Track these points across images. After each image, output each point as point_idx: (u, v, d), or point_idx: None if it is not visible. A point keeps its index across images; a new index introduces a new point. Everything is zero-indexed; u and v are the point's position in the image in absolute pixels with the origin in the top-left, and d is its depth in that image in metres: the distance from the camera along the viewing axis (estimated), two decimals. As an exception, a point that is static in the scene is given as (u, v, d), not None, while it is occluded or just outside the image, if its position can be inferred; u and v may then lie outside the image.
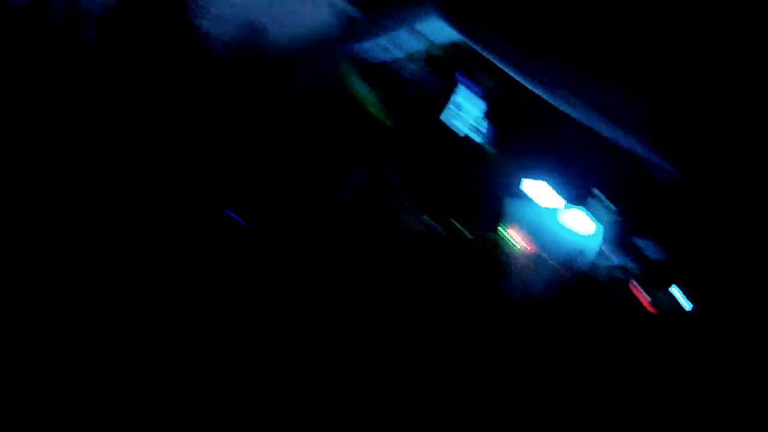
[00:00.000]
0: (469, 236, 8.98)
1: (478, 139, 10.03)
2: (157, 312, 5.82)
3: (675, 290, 8.43)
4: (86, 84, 10.54)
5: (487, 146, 10.07)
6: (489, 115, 10.06)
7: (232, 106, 9.29)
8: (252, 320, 6.15)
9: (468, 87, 10.01)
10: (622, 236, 8.95)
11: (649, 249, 8.91)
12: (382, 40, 9.59)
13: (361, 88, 10.03)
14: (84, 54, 12.21)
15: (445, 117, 9.89)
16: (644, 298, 8.37)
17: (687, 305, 8.23)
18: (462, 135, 9.90)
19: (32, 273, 5.87)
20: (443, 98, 10.16)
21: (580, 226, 8.33)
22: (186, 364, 5.15)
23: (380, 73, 10.15)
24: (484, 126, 10.06)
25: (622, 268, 8.73)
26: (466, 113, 10.00)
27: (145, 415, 4.52)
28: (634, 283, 8.65)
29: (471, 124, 10.00)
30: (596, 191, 8.95)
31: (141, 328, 5.47)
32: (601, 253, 8.61)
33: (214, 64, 10.48)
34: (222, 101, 9.35)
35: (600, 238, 8.47)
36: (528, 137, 10.37)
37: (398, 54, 9.92)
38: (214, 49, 12.16)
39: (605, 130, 8.95)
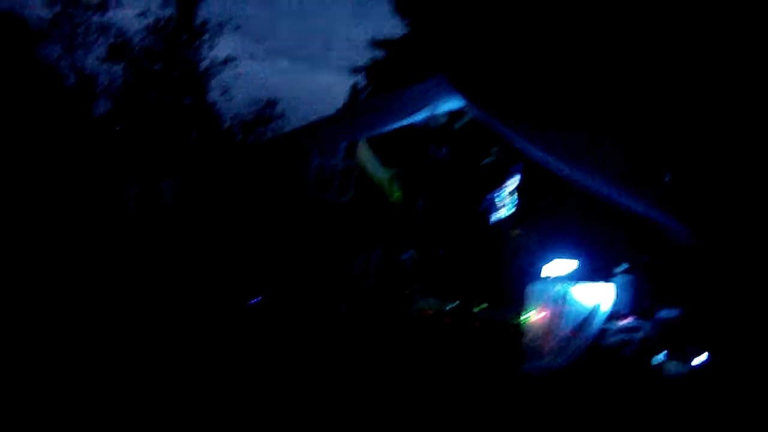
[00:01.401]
0: (491, 318, 9.11)
1: (504, 213, 10.11)
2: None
3: (692, 350, 8.54)
4: (104, 163, 10.81)
5: (508, 226, 10.20)
6: (516, 190, 10.17)
7: (249, 188, 9.46)
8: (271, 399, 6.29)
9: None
10: (640, 303, 9.07)
11: (667, 312, 9.02)
12: (398, 118, 9.69)
13: (376, 167, 10.16)
14: (102, 133, 12.50)
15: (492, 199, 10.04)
16: (659, 360, 8.47)
17: (701, 361, 8.31)
18: (495, 214, 10.03)
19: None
20: (458, 173, 10.34)
21: (598, 299, 8.44)
22: None
23: (393, 148, 10.29)
24: (513, 201, 10.15)
25: (641, 333, 8.84)
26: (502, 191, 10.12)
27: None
28: (651, 345, 8.77)
29: (504, 201, 10.11)
30: (614, 264, 9.10)
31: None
32: (618, 321, 8.72)
33: (231, 144, 10.70)
34: (239, 182, 9.52)
35: (614, 307, 8.58)
36: (545, 215, 10.56)
37: (412, 129, 10.10)
38: (231, 129, 12.39)
39: (622, 198, 9.14)
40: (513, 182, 10.10)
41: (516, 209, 10.15)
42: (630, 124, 10.93)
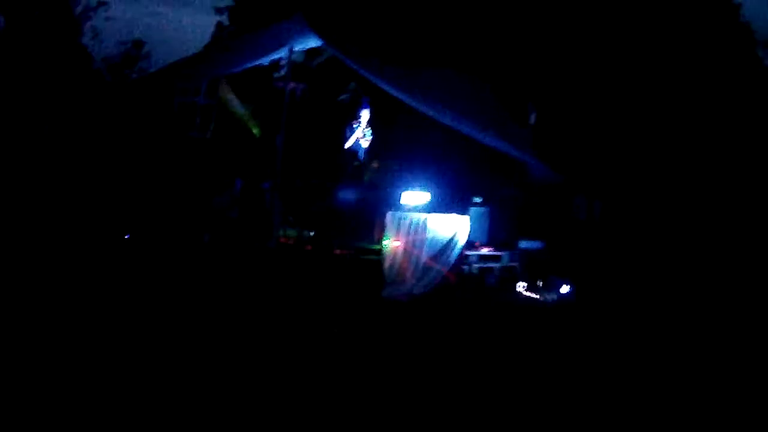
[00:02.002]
0: (351, 245, 9.33)
1: (365, 146, 10.39)
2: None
3: (552, 279, 8.95)
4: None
5: (365, 157, 10.45)
6: (370, 122, 10.44)
7: (113, 124, 9.42)
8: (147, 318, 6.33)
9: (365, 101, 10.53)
10: (498, 232, 9.41)
11: (527, 243, 9.39)
12: (258, 56, 9.80)
13: (236, 104, 10.27)
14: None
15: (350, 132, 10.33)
16: (521, 287, 8.82)
17: (564, 290, 8.72)
18: (355, 147, 10.28)
19: None
20: (312, 106, 10.56)
21: (455, 229, 8.67)
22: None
23: (252, 85, 10.42)
24: (369, 133, 10.42)
25: (501, 262, 9.18)
26: (358, 124, 10.38)
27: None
28: (512, 273, 9.13)
29: (362, 133, 10.37)
30: (471, 196, 9.41)
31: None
32: (478, 250, 9.02)
33: (97, 82, 10.61)
34: (103, 119, 9.46)
35: (471, 237, 8.85)
36: (404, 148, 10.80)
37: (267, 64, 10.32)
38: (96, 66, 12.26)
39: (479, 135, 9.43)
40: (365, 115, 10.36)
41: (372, 141, 10.42)
42: (495, 65, 11.24)
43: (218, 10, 19.35)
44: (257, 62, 9.76)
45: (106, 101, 9.98)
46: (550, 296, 8.73)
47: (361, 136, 10.36)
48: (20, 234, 8.43)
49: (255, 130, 10.22)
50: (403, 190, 9.23)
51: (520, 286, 8.91)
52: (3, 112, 10.48)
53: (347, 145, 10.27)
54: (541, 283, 9.07)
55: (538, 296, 8.75)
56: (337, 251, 9.16)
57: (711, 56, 11.93)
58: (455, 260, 8.65)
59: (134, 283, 7.52)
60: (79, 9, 16.67)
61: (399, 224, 8.63)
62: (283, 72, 9.99)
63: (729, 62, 12.23)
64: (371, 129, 10.35)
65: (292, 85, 9.87)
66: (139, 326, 6.14)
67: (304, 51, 10.19)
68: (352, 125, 10.32)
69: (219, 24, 19.75)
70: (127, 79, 15.92)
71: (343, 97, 10.38)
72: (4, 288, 6.86)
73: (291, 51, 9.27)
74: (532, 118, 10.61)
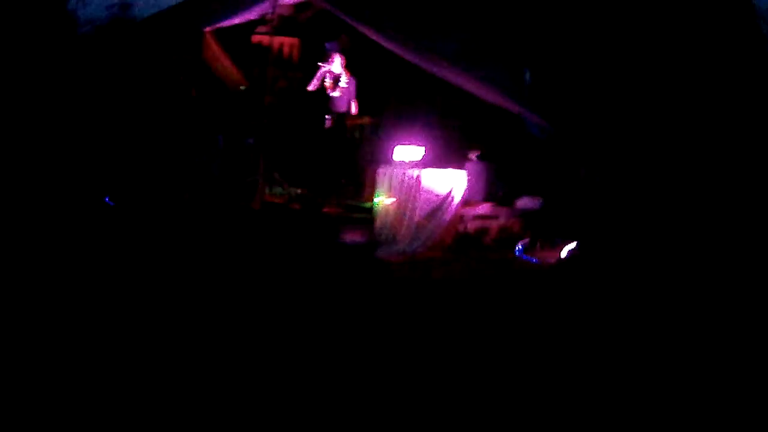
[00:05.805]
0: (341, 203, 9.13)
1: (338, 94, 10.12)
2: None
3: (552, 239, 8.66)
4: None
5: (347, 110, 10.22)
6: (346, 66, 10.25)
7: (100, 84, 9.20)
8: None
9: (330, 47, 10.22)
10: (496, 190, 9.13)
11: (524, 201, 9.11)
12: (239, 7, 9.65)
13: (221, 58, 10.05)
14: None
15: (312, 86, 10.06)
16: (520, 247, 8.56)
17: (565, 251, 8.43)
18: (329, 92, 10.03)
19: None
20: (299, 60, 10.31)
21: (450, 185, 8.45)
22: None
23: (237, 40, 10.19)
24: (344, 79, 10.13)
25: (498, 221, 8.91)
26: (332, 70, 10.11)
27: None
28: (511, 233, 8.86)
29: (335, 79, 10.12)
30: (468, 151, 9.13)
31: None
32: (474, 208, 8.77)
33: (84, 44, 10.33)
34: (89, 79, 9.24)
35: (467, 194, 8.63)
36: (399, 102, 10.55)
37: (252, 18, 10.05)
38: (83, 31, 11.98)
39: (476, 89, 9.16)
40: (336, 62, 10.05)
41: (366, 95, 10.16)
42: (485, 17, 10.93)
43: None
44: (242, 16, 9.58)
45: (89, 59, 9.73)
46: (551, 257, 8.44)
47: (330, 84, 10.03)
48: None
49: (240, 86, 9.95)
50: (396, 145, 8.93)
51: (519, 246, 8.60)
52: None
53: (309, 87, 10.02)
54: (541, 243, 8.74)
55: (538, 257, 8.46)
56: (327, 210, 8.93)
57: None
58: (450, 219, 8.42)
59: (115, 247, 7.28)
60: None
61: (391, 181, 8.41)
62: (269, 26, 9.62)
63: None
64: (349, 78, 10.03)
65: (278, 39, 9.67)
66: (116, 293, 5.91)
67: (293, 5, 9.89)
68: (320, 71, 9.99)
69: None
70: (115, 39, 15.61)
71: (329, 47, 10.07)
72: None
73: (276, 4, 9.03)
74: (527, 78, 10.25)
